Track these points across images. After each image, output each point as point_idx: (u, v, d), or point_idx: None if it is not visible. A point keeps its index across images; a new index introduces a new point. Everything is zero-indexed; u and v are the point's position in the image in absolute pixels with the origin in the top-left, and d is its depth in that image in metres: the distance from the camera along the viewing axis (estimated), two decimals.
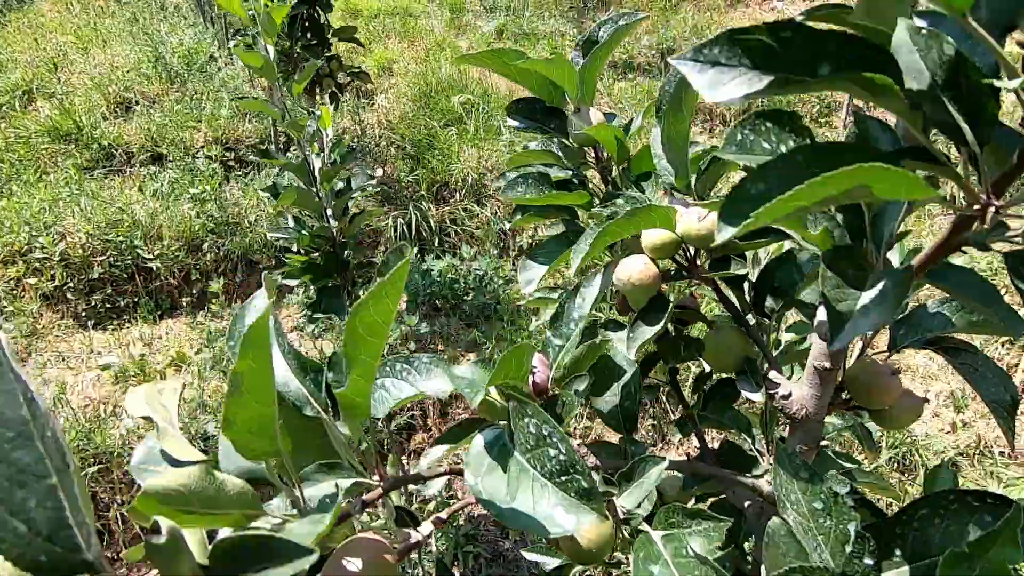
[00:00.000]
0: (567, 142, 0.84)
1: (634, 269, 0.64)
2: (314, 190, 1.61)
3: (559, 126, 0.86)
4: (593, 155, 0.85)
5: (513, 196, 0.76)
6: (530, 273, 0.79)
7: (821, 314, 0.52)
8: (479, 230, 3.45)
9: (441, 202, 3.65)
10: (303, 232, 1.64)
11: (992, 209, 0.37)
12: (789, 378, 0.61)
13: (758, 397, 0.62)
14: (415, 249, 3.32)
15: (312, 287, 1.69)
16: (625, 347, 0.69)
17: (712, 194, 0.63)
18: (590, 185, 0.85)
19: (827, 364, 0.56)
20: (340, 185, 1.70)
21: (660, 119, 0.65)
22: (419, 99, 4.33)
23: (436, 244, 3.43)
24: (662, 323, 0.63)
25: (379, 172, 4.01)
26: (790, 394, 0.60)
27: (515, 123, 0.89)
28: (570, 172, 0.83)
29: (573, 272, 0.70)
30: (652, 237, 0.63)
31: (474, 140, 3.79)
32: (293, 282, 1.68)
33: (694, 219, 0.58)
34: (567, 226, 0.84)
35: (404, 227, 3.42)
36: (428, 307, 3.13)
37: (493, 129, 3.86)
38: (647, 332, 0.63)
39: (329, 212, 1.66)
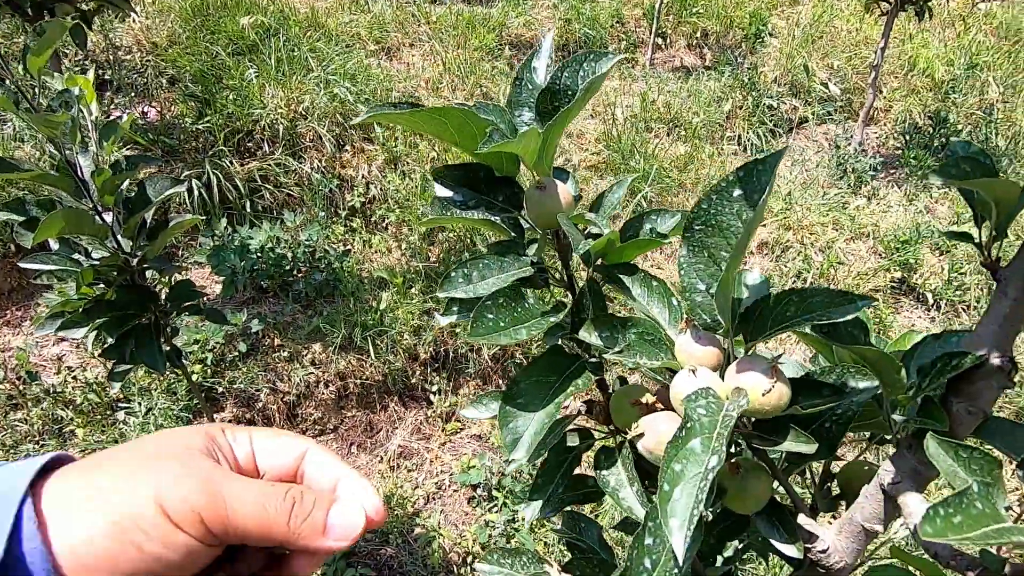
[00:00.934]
0: (523, 222, 0.65)
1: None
2: (90, 205, 1.14)
3: (510, 199, 0.65)
4: (553, 237, 0.67)
5: (480, 332, 0.55)
6: (518, 427, 0.57)
7: (909, 501, 0.46)
8: (299, 189, 2.96)
9: (247, 156, 3.02)
10: (81, 263, 1.18)
11: None
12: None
13: (793, 552, 0.55)
14: (223, 220, 2.73)
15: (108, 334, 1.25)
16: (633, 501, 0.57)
17: (765, 347, 0.52)
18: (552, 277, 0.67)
19: (880, 528, 0.51)
20: (131, 191, 1.23)
21: (692, 242, 0.50)
22: (193, 16, 3.43)
23: (247, 209, 2.87)
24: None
25: (151, 113, 3.16)
26: (828, 548, 0.55)
27: (446, 193, 0.66)
28: (530, 263, 0.64)
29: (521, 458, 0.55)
30: (678, 397, 0.49)
31: (277, 77, 3.15)
32: (77, 333, 1.23)
33: (759, 383, 0.46)
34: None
35: (202, 189, 2.77)
36: (251, 290, 2.65)
37: (299, 62, 3.24)
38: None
39: (118, 232, 1.21)
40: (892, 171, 3.64)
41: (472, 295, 0.59)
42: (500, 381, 2.51)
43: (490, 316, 0.56)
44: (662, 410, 0.65)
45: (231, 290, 2.57)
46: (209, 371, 2.30)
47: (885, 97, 4.23)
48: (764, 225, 3.02)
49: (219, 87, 3.08)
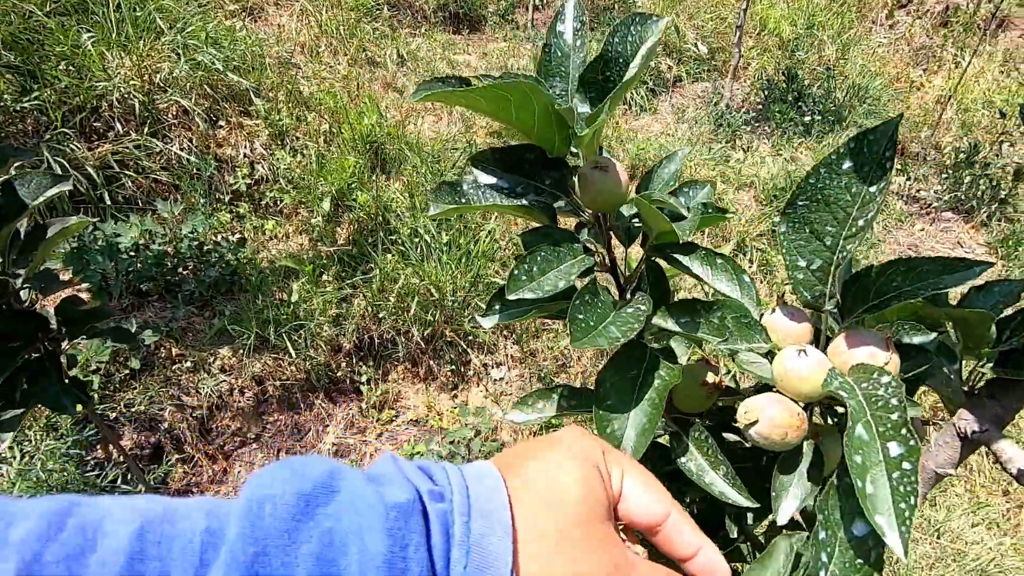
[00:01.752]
0: (579, 206, 0.59)
1: (785, 423, 0.49)
2: None
3: (558, 183, 0.59)
4: (597, 217, 0.62)
5: (580, 337, 0.49)
6: (615, 430, 0.52)
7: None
8: (169, 173, 2.56)
9: (96, 138, 2.54)
10: None
11: None
12: None
13: None
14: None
15: None
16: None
17: (868, 321, 0.51)
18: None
19: (952, 472, 0.55)
20: None
21: (793, 218, 0.48)
22: None
23: (106, 201, 2.43)
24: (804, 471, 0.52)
25: None
26: None
27: (489, 180, 0.58)
28: (583, 251, 0.59)
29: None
30: (805, 378, 0.48)
31: (120, 42, 2.66)
32: None
33: (877, 356, 0.46)
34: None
35: None
36: (129, 296, 2.28)
37: (145, 24, 2.76)
38: (796, 494, 0.51)
39: None
40: (758, 124, 3.99)
41: (540, 294, 0.53)
42: (431, 363, 2.43)
43: (580, 317, 0.51)
44: (728, 388, 0.65)
45: (103, 298, 2.19)
46: (97, 396, 1.95)
47: (743, 55, 4.59)
48: None
49: (43, 55, 2.53)
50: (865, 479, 0.37)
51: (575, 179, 0.58)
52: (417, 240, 2.50)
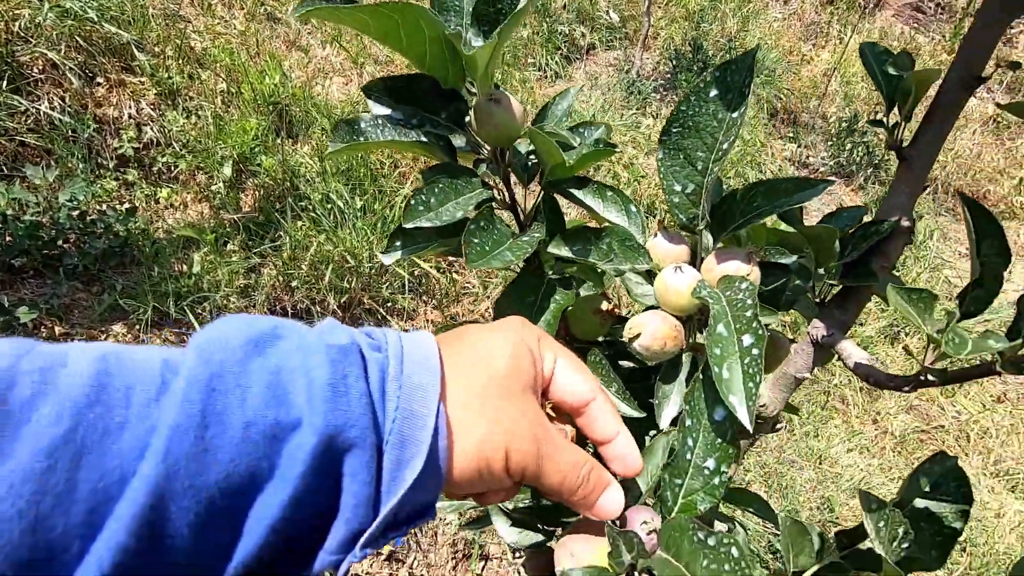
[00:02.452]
0: (478, 143, 0.60)
1: (664, 333, 0.54)
2: None
3: (454, 116, 0.59)
4: (495, 153, 0.63)
5: (475, 259, 0.51)
6: None
7: (849, 348, 0.56)
8: (38, 136, 2.30)
9: None
10: None
11: None
12: None
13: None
14: None
15: None
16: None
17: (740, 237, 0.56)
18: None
19: (807, 375, 0.63)
20: None
21: (668, 145, 0.52)
22: None
23: None
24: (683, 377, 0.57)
25: None
26: (765, 402, 0.66)
27: (383, 111, 0.57)
28: (481, 184, 0.60)
29: None
30: (683, 292, 0.53)
31: None
32: None
33: (740, 269, 0.51)
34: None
35: None
36: (0, 272, 2.04)
37: None
38: (676, 400, 0.57)
39: None
40: (667, 92, 4.15)
41: (437, 223, 0.54)
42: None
43: (476, 241, 0.52)
44: (621, 317, 0.69)
45: None
46: None
47: (652, 25, 4.72)
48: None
49: None
50: (722, 367, 0.42)
51: (472, 113, 0.59)
52: (329, 206, 2.42)
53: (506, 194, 0.67)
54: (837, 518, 2.26)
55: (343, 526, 0.29)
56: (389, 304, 2.41)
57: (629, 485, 0.52)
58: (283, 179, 2.44)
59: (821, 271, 0.59)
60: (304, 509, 0.28)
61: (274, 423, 0.27)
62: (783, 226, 0.67)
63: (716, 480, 0.43)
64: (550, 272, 0.65)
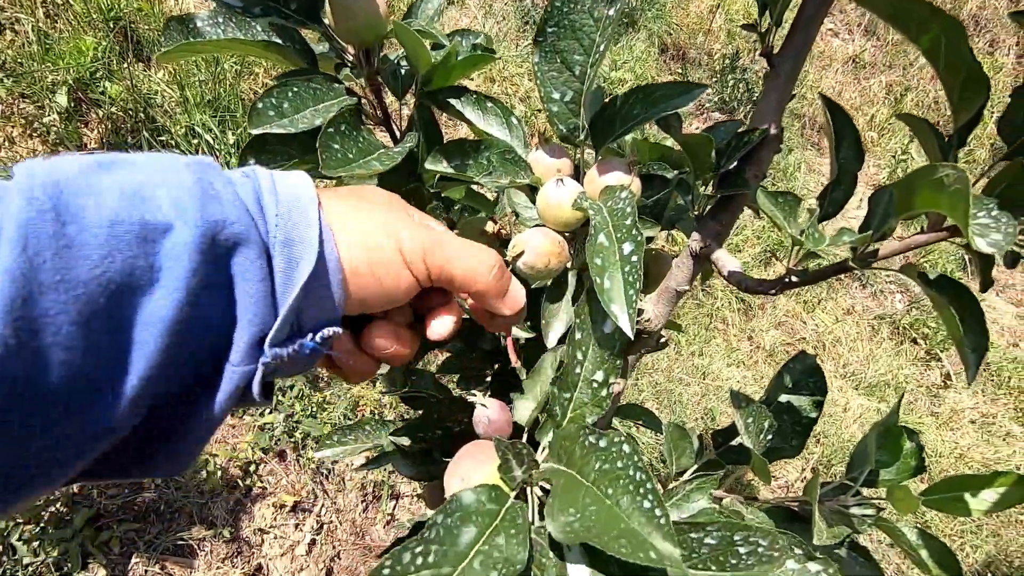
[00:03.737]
0: (338, 44, 0.52)
1: (547, 250, 0.52)
2: None
3: (305, 7, 0.51)
4: (359, 57, 0.56)
5: (333, 165, 0.44)
6: None
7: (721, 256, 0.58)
8: None
9: None
10: None
11: None
12: None
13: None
14: None
15: None
16: None
17: (614, 146, 0.54)
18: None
19: (687, 288, 0.65)
20: None
21: (544, 48, 0.48)
22: None
23: None
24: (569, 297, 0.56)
25: None
26: (650, 316, 0.68)
27: None
28: (345, 91, 0.53)
29: None
30: (565, 205, 0.51)
31: None
32: None
33: (622, 179, 0.50)
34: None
35: None
36: None
37: None
38: (563, 319, 0.56)
39: None
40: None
41: (292, 130, 0.47)
42: None
43: (336, 147, 0.46)
44: (505, 236, 0.67)
45: None
46: None
47: None
48: (472, 79, 3.11)
49: None
50: (604, 277, 0.41)
51: (328, 5, 0.52)
52: (196, 141, 2.15)
53: (378, 108, 0.60)
54: (718, 425, 2.52)
55: (245, 330, 0.28)
56: None
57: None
58: (135, 109, 2.13)
59: (700, 184, 0.60)
60: (199, 312, 0.27)
61: (142, 223, 0.25)
62: (667, 142, 0.66)
63: (604, 392, 0.43)
64: (430, 190, 0.60)
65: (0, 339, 0.22)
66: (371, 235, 0.33)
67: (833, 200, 0.48)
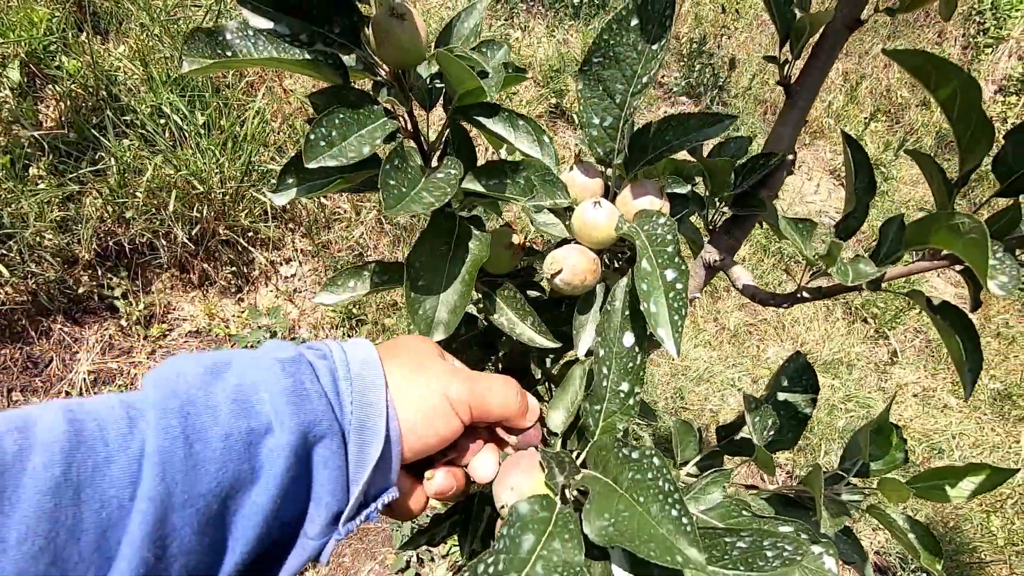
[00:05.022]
0: (375, 62, 0.53)
1: (584, 268, 0.55)
2: None
3: (348, 31, 0.51)
4: (395, 75, 0.57)
5: (392, 203, 0.46)
6: (427, 310, 0.53)
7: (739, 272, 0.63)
8: None
9: None
10: None
11: None
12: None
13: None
14: None
15: None
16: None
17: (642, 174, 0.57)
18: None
19: (699, 295, 0.70)
20: None
21: (589, 76, 0.51)
22: None
23: None
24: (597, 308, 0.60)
25: None
26: None
27: (264, 24, 0.48)
28: (384, 114, 0.54)
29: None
30: (601, 226, 0.54)
31: None
32: None
33: (655, 203, 0.53)
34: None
35: None
36: None
37: None
38: (592, 329, 0.59)
39: None
40: (533, 4, 4.03)
41: (343, 161, 0.48)
42: (206, 267, 2.14)
43: (392, 183, 0.48)
44: (530, 249, 0.69)
45: None
46: None
47: None
48: None
49: None
50: (649, 301, 0.45)
51: (368, 29, 0.52)
52: (163, 121, 2.07)
53: (408, 122, 0.61)
54: (687, 404, 2.63)
55: (323, 511, 0.33)
56: (251, 234, 2.19)
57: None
58: (96, 87, 2.02)
59: (716, 200, 0.64)
60: (287, 501, 0.32)
61: (248, 431, 0.31)
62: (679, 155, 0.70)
63: (631, 401, 0.47)
64: (457, 206, 0.62)
65: (143, 561, 0.26)
66: (426, 399, 0.38)
67: (847, 227, 0.53)
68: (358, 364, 0.36)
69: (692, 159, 0.63)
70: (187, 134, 2.07)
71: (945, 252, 0.48)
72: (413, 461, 0.40)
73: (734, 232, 0.64)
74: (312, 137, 0.48)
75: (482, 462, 0.45)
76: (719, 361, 2.85)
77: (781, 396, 0.74)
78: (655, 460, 0.44)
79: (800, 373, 0.74)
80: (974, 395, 3.26)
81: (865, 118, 4.58)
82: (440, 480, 0.43)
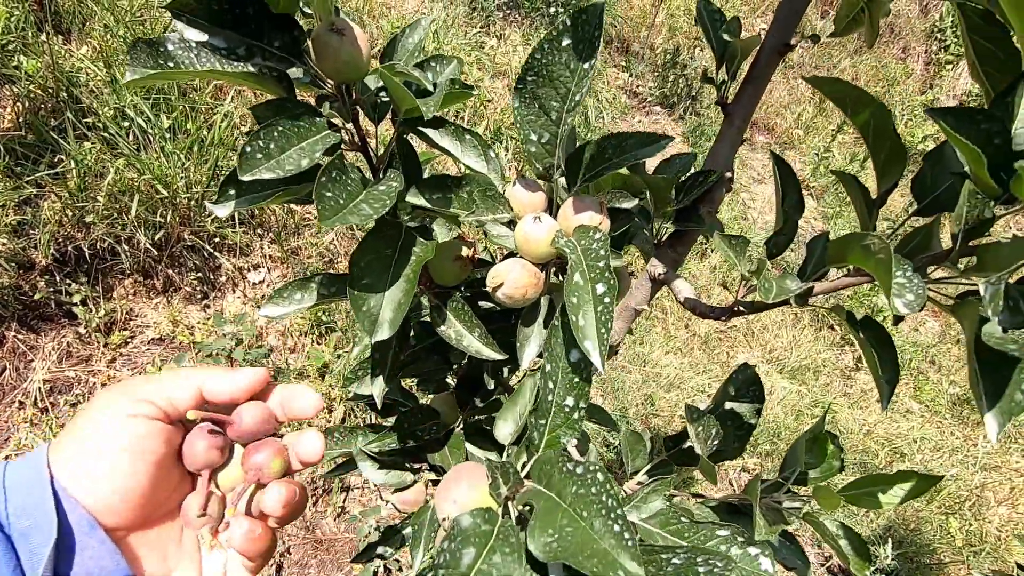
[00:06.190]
0: (319, 76, 0.53)
1: (525, 282, 0.56)
2: None
3: (288, 46, 0.51)
4: (343, 94, 0.57)
5: (329, 216, 0.46)
6: (371, 307, 0.53)
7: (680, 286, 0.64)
8: None
9: None
10: None
11: None
12: None
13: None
14: None
15: None
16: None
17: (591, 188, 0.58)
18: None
19: (646, 307, 0.71)
20: None
21: (524, 94, 0.52)
22: None
23: None
24: (541, 322, 0.61)
25: None
26: (613, 331, 0.73)
27: (199, 36, 0.48)
28: (327, 126, 0.54)
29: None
30: (542, 240, 0.55)
31: None
32: None
33: (594, 218, 0.54)
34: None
35: None
36: None
37: None
38: (536, 342, 0.60)
39: None
40: (510, 11, 4.05)
41: (280, 173, 0.48)
42: (170, 272, 2.10)
43: (329, 195, 0.48)
44: (481, 261, 0.70)
45: None
46: None
47: None
48: None
49: None
50: (578, 314, 0.45)
51: (310, 43, 0.52)
52: (127, 124, 2.03)
53: (355, 134, 0.61)
54: (657, 410, 2.66)
55: None
56: (217, 239, 2.16)
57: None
58: (56, 88, 1.97)
59: (658, 216, 0.65)
60: None
61: None
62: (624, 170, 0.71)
63: (575, 415, 0.48)
64: (406, 218, 0.63)
65: None
66: (104, 456, 0.36)
67: (777, 243, 0.55)
68: (17, 473, 0.35)
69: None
70: (152, 137, 2.04)
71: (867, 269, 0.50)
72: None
73: (677, 247, 0.65)
74: (248, 150, 0.47)
75: (304, 442, 0.44)
76: (690, 368, 2.89)
77: (728, 406, 0.75)
78: (599, 475, 0.44)
79: (748, 384, 0.76)
80: (935, 400, 3.35)
81: (833, 130, 4.70)
82: (272, 497, 0.41)
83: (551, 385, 0.49)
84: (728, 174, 0.60)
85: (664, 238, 0.67)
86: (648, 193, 0.65)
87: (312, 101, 0.59)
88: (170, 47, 0.52)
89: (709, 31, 0.56)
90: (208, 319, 2.10)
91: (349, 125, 0.61)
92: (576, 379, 0.49)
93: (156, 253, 2.05)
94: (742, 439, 0.73)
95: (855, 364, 3.39)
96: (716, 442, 0.68)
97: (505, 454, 0.54)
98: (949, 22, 5.58)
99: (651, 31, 4.63)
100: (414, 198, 0.56)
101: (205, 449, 0.41)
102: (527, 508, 0.48)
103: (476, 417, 0.88)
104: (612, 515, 0.39)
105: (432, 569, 0.38)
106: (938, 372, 3.55)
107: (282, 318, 0.71)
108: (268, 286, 2.26)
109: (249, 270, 2.25)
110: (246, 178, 0.46)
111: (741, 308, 0.58)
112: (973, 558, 2.63)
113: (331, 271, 0.68)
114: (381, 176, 0.60)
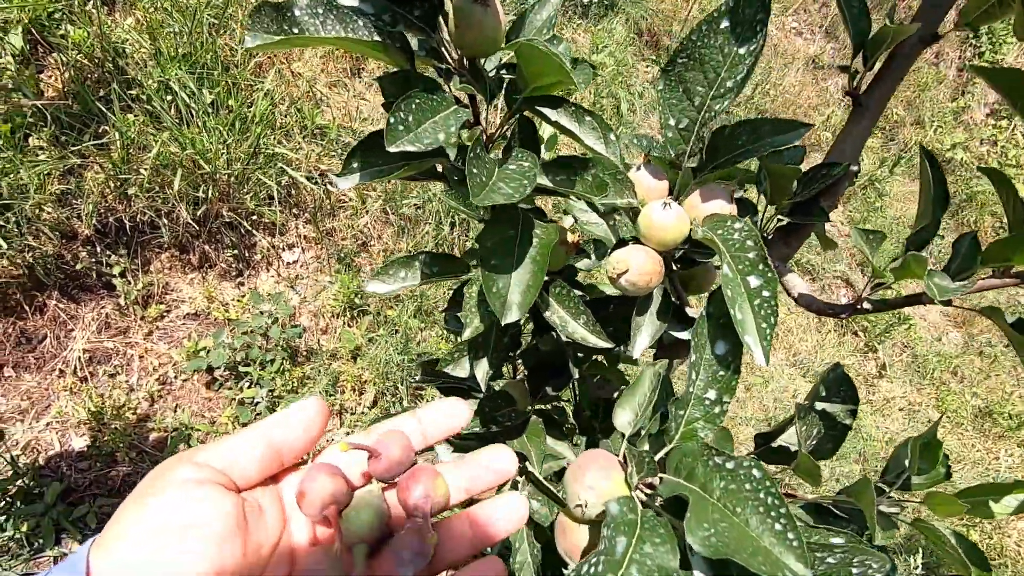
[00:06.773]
0: (447, 48, 0.52)
1: (650, 269, 0.54)
2: None
3: (426, 16, 0.50)
4: (464, 63, 0.55)
5: (478, 192, 0.45)
6: (500, 288, 0.50)
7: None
8: None
9: None
10: None
11: None
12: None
13: (687, 336, 0.70)
14: None
15: None
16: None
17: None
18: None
19: None
20: None
21: (671, 76, 0.50)
22: None
23: None
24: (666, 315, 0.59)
25: None
26: None
27: (349, 1, 0.46)
28: (455, 102, 0.53)
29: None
30: (670, 228, 0.53)
31: None
32: None
33: (724, 207, 0.53)
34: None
35: None
36: None
37: None
38: (648, 331, 0.59)
39: None
40: None
41: (420, 147, 0.47)
42: (207, 248, 2.10)
43: (475, 171, 0.47)
44: (580, 245, 0.69)
45: None
46: None
47: None
48: None
49: None
50: (735, 307, 0.44)
51: (446, 13, 0.51)
52: (170, 98, 2.02)
53: (470, 111, 0.60)
54: None
55: None
56: (255, 217, 2.15)
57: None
58: (102, 59, 1.97)
59: (772, 207, 0.63)
60: None
61: None
62: None
63: (716, 409, 0.47)
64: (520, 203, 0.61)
65: None
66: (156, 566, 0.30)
67: (918, 240, 0.53)
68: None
69: (742, 165, 0.62)
70: (194, 112, 2.03)
71: (1015, 271, 0.48)
72: None
73: (790, 240, 0.64)
74: (392, 121, 0.46)
75: (502, 508, 0.36)
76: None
77: (819, 406, 0.74)
78: (755, 472, 0.43)
79: (838, 384, 0.74)
80: (957, 412, 3.32)
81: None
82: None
83: (694, 376, 0.48)
84: (854, 168, 0.58)
85: (772, 231, 0.66)
86: (759, 185, 0.63)
87: (431, 74, 0.58)
88: (296, 12, 0.51)
89: (847, 16, 0.54)
90: (243, 296, 2.10)
91: (481, 99, 0.59)
92: (721, 372, 0.48)
93: (195, 228, 2.05)
94: (836, 439, 0.72)
95: (878, 372, 3.37)
96: (814, 442, 0.67)
97: (625, 442, 0.53)
98: (985, 28, 5.48)
99: (685, 24, 4.57)
100: (539, 178, 0.55)
101: (330, 482, 0.33)
102: (661, 500, 0.47)
103: (547, 405, 0.87)
104: (773, 513, 0.38)
105: (596, 554, 0.37)
106: (960, 383, 3.52)
107: (387, 295, 0.69)
108: (301, 266, 2.26)
109: (284, 249, 2.25)
110: (393, 149, 0.45)
111: (866, 305, 0.56)
112: (992, 572, 2.62)
113: (432, 251, 0.66)
114: (501, 154, 0.59)
